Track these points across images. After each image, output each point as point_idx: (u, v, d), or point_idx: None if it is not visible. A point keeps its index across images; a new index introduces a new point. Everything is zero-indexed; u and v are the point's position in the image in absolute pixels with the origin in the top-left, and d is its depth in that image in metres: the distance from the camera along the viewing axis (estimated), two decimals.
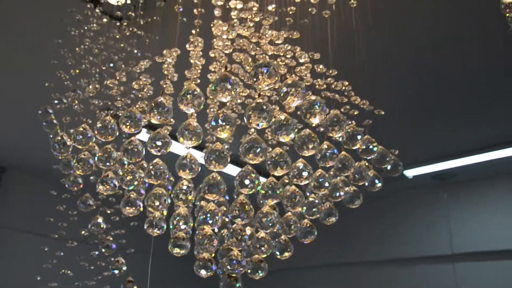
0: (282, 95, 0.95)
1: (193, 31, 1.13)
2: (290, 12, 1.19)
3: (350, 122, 1.20)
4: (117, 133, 1.18)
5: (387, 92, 3.16)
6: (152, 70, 1.25)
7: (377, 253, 5.23)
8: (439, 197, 4.87)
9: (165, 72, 1.15)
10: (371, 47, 2.47)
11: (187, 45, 1.11)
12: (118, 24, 1.92)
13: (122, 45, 1.80)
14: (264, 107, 0.92)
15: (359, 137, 1.18)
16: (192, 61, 1.11)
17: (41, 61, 2.84)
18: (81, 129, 1.20)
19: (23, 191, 4.73)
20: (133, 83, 1.21)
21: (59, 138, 1.22)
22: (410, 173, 4.49)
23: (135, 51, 1.79)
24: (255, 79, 0.91)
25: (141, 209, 1.27)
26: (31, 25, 2.50)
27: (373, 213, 5.12)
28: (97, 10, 1.78)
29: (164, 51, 1.13)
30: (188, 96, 0.98)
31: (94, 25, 1.63)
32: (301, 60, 1.17)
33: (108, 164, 1.18)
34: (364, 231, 5.33)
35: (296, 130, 1.02)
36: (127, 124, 1.11)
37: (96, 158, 1.21)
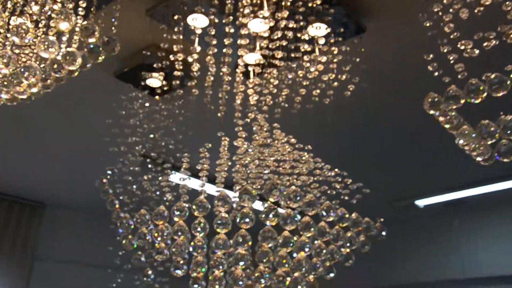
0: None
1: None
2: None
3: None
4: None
5: (397, 129, 3.36)
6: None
7: (391, 279, 5.44)
8: (450, 224, 5.08)
9: None
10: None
11: None
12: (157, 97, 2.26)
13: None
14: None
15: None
16: None
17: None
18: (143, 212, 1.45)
19: (63, 225, 5.11)
20: None
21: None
22: (421, 203, 4.73)
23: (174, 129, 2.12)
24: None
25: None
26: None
27: (386, 241, 5.32)
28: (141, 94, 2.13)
29: None
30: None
31: (140, 110, 1.97)
32: None
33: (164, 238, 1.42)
34: (379, 257, 5.53)
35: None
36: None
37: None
